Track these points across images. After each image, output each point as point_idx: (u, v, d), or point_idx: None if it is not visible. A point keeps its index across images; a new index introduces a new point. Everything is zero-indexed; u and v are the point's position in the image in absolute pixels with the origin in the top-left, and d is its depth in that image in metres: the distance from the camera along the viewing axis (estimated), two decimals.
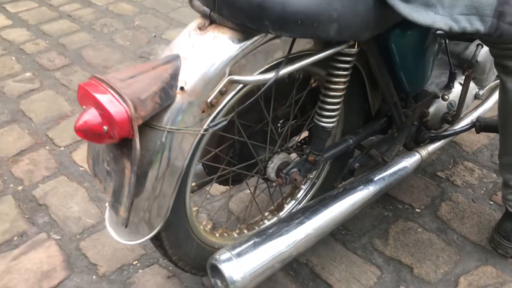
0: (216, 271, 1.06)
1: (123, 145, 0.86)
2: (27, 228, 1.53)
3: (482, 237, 1.42)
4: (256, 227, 1.32)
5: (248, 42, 0.91)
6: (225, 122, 0.93)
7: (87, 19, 2.88)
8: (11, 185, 1.67)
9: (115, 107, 0.80)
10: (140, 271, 1.37)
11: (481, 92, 1.49)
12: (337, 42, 0.99)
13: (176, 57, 0.90)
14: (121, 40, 2.64)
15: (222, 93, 0.91)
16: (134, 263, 1.40)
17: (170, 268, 1.37)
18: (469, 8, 0.94)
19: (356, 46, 1.03)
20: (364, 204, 1.25)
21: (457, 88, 1.41)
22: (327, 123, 1.11)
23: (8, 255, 1.42)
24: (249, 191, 1.55)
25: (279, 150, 1.19)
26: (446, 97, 1.39)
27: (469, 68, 1.33)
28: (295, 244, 1.12)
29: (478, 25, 0.95)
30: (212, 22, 0.92)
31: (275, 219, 1.34)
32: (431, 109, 1.40)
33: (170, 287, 1.33)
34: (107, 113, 0.80)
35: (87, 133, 0.83)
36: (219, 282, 1.07)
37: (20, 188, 1.66)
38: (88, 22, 2.85)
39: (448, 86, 1.39)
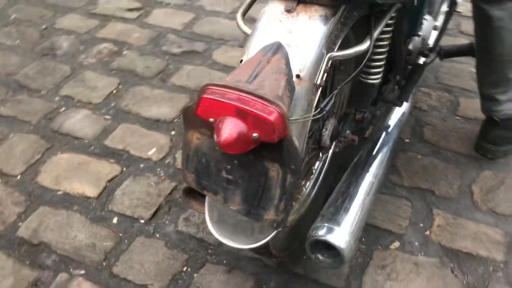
0: (317, 247, 1.08)
1: (261, 148, 0.81)
2: (37, 274, 1.33)
3: (468, 148, 1.63)
4: (300, 196, 1.34)
5: (337, 17, 0.90)
6: (332, 101, 0.92)
7: None
8: None
9: (267, 110, 0.75)
10: (195, 275, 1.31)
11: (437, 24, 1.66)
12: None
13: (280, 45, 0.86)
14: (7, 41, 2.28)
15: (326, 72, 0.90)
16: (184, 269, 1.33)
17: (224, 261, 1.33)
18: None
19: None
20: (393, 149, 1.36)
21: (425, 24, 1.56)
22: (375, 79, 1.16)
23: None
24: None
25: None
26: (420, 33, 1.53)
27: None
28: (367, 194, 1.18)
29: None
30: (299, 2, 0.88)
31: (310, 182, 1.38)
32: (411, 47, 1.53)
33: (236, 279, 1.30)
34: (259, 118, 0.75)
35: (235, 145, 0.76)
36: (320, 256, 1.10)
37: None
38: None
39: None
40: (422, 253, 1.34)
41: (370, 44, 0.93)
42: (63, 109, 1.85)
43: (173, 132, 1.73)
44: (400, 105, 1.39)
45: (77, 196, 1.52)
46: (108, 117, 1.80)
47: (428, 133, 1.70)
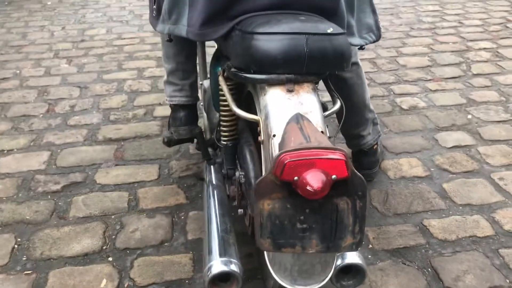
0: (343, 273, 1.28)
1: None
2: None
3: None
4: None
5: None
6: None
7: None
8: None
9: (337, 155, 0.98)
10: None
11: None
12: None
13: (301, 115, 1.10)
14: None
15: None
16: None
17: None
18: None
19: None
20: None
21: None
22: None
23: None
24: None
25: None
26: None
27: None
28: None
29: None
30: (295, 83, 1.15)
31: None
32: None
33: None
34: (334, 162, 0.97)
35: (324, 191, 0.96)
36: (344, 282, 1.30)
37: None
38: None
39: None
40: (378, 261, 1.66)
41: (341, 102, 1.25)
42: None
43: (110, 258, 1.69)
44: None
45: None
46: (29, 271, 1.63)
47: None
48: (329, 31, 1.14)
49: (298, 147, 0.98)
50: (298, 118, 1.09)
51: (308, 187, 0.96)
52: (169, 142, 1.99)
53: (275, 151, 1.09)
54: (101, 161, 2.24)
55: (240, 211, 1.46)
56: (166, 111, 2.66)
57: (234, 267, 1.23)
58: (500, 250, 1.68)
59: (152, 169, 2.18)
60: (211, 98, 1.84)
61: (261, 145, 1.17)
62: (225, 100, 1.42)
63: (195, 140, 1.95)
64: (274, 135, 1.10)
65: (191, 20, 1.36)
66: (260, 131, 1.16)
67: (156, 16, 1.54)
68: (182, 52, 1.82)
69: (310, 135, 1.03)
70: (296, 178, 0.97)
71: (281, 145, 1.06)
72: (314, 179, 0.95)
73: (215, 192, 1.56)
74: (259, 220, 1.04)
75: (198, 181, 2.07)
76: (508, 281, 1.56)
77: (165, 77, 1.89)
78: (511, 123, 2.50)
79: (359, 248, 1.06)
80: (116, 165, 2.21)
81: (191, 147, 2.29)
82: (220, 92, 1.42)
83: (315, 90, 1.18)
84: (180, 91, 1.86)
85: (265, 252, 1.12)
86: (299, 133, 1.04)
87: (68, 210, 1.92)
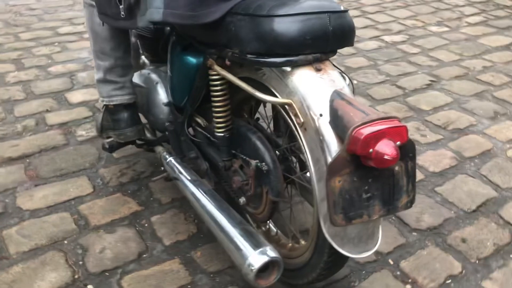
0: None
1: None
2: None
3: None
4: None
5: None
6: None
7: None
8: None
9: (397, 123, 1.05)
10: None
11: None
12: None
13: (339, 91, 1.13)
14: None
15: None
16: None
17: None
18: None
19: None
20: None
21: None
22: None
23: None
24: None
25: None
26: None
27: None
28: None
29: None
30: (319, 62, 1.17)
31: None
32: None
33: None
34: (398, 129, 1.04)
35: (396, 158, 1.03)
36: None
37: None
38: None
39: None
40: None
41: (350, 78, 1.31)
42: None
43: (90, 286, 1.49)
44: None
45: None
46: None
47: None
48: (342, 8, 1.19)
49: (366, 121, 1.03)
50: (340, 95, 1.13)
51: (385, 157, 1.01)
52: (111, 148, 1.81)
53: (326, 130, 1.11)
54: (14, 185, 1.92)
55: (243, 199, 1.43)
56: (60, 117, 2.39)
57: (272, 253, 1.23)
58: (435, 189, 1.96)
59: (81, 182, 1.95)
60: (154, 92, 1.73)
61: (298, 128, 1.17)
62: (220, 90, 1.37)
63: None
64: (321, 115, 1.12)
65: (171, 1, 1.26)
66: (295, 114, 1.16)
67: (128, 15, 1.37)
68: (120, 46, 1.66)
69: (363, 109, 1.08)
70: (371, 150, 1.02)
71: (336, 122, 1.08)
72: (389, 148, 1.01)
73: (202, 188, 1.50)
74: (331, 200, 1.06)
75: (147, 184, 1.93)
76: (453, 212, 1.84)
77: (98, 76, 1.70)
78: (390, 82, 2.87)
79: (413, 205, 1.16)
80: (36, 185, 1.92)
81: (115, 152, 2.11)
82: (214, 82, 1.36)
83: (335, 66, 1.22)
84: (121, 89, 1.70)
85: (323, 227, 1.14)
86: (353, 108, 1.08)
87: (5, 249, 1.62)
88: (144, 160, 2.09)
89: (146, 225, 1.74)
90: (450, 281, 1.55)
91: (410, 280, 1.54)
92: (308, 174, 1.52)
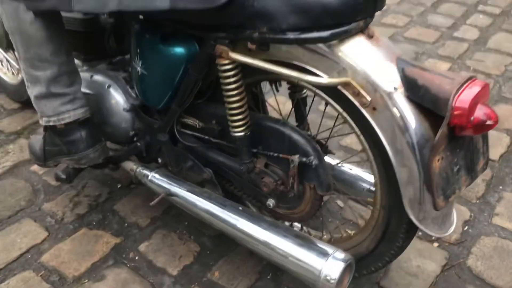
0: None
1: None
2: None
3: None
4: None
5: None
6: None
7: None
8: None
9: (482, 82, 0.94)
10: None
11: None
12: None
13: (401, 58, 0.99)
14: None
15: None
16: None
17: None
18: None
19: None
20: None
21: None
22: None
23: None
24: None
25: None
26: None
27: None
28: None
29: None
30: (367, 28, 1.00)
31: None
32: None
33: None
34: (484, 88, 0.93)
35: (496, 123, 0.92)
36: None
37: None
38: None
39: None
40: None
41: None
42: None
43: None
44: None
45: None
46: None
47: None
48: None
49: (459, 86, 0.90)
50: (408, 62, 0.98)
51: (488, 121, 0.91)
52: (69, 177, 1.45)
53: (403, 105, 0.96)
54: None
55: (272, 202, 1.23)
56: None
57: (343, 255, 1.08)
58: None
59: (27, 227, 1.54)
60: (108, 97, 1.42)
61: (365, 108, 0.99)
62: (234, 82, 1.12)
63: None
64: (395, 88, 0.96)
65: None
66: (357, 93, 0.98)
67: None
68: (62, 48, 1.29)
69: (442, 72, 0.95)
70: (472, 118, 0.90)
71: (419, 94, 0.94)
72: (488, 112, 0.91)
73: (218, 201, 1.27)
74: (434, 183, 0.94)
75: (112, 209, 1.60)
76: None
77: (38, 91, 1.31)
78: None
79: (487, 167, 1.08)
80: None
81: (50, 179, 1.71)
82: (226, 74, 1.10)
83: None
84: (73, 102, 1.33)
85: (411, 213, 1.01)
86: (432, 74, 0.94)
87: None
88: (92, 181, 1.73)
89: (136, 258, 1.44)
90: (467, 227, 1.56)
91: (433, 238, 1.51)
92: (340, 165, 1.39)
